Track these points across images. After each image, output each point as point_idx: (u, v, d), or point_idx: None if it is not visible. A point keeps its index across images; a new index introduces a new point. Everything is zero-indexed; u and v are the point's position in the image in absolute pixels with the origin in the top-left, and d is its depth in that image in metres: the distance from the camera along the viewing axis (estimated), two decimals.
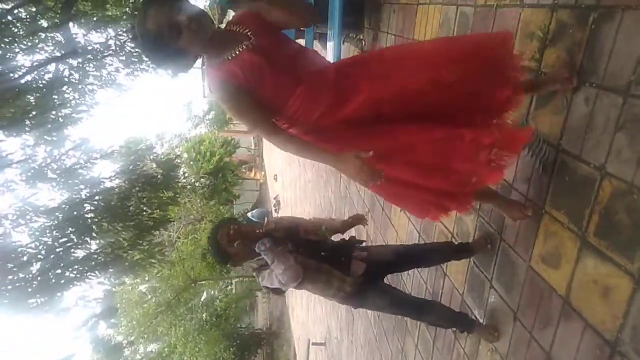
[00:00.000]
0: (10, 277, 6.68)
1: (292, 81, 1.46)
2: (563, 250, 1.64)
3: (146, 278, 14.10)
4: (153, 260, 8.65)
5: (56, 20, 6.84)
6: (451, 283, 2.54)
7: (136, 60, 8.22)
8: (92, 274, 7.45)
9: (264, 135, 1.51)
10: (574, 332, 1.57)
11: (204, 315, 14.28)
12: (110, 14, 7.68)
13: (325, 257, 2.04)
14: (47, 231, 7.12)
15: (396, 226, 3.47)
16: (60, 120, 7.58)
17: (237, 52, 1.42)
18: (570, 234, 1.61)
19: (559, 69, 1.66)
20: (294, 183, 10.14)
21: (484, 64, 1.47)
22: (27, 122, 7.05)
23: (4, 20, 6.52)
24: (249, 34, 1.44)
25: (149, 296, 14.84)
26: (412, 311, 2.31)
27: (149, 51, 1.38)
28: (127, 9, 7.88)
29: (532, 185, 1.83)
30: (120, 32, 7.89)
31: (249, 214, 17.78)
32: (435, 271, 2.75)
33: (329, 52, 4.27)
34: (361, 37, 4.41)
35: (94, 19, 7.41)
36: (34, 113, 7.09)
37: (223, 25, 1.57)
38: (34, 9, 6.86)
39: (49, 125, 7.32)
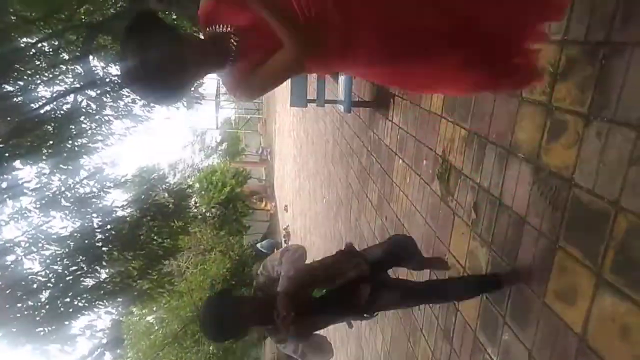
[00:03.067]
0: (19, 305, 6.68)
1: None
2: (579, 287, 1.60)
3: (154, 308, 14.00)
4: (162, 290, 8.61)
5: (77, 54, 7.08)
6: (463, 319, 2.48)
7: None
8: (101, 303, 7.43)
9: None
10: None
11: (210, 349, 14.05)
12: None
13: (329, 303, 1.93)
14: (58, 259, 7.15)
15: None
16: (76, 149, 7.74)
17: (234, 51, 1.28)
18: (586, 270, 1.57)
19: None
20: (304, 214, 10.13)
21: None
22: (44, 150, 7.20)
23: (28, 54, 6.77)
24: (228, 28, 1.29)
25: (156, 327, 14.68)
26: (432, 295, 2.22)
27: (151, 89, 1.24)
28: None
29: (545, 219, 1.81)
30: None
31: (258, 245, 17.74)
32: (447, 308, 2.69)
33: (340, 87, 4.36)
34: None
35: (113, 52, 7.66)
36: (51, 142, 7.25)
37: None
38: (56, 43, 7.12)
39: (65, 154, 7.47)
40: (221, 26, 1.31)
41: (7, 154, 6.60)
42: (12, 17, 6.45)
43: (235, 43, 1.28)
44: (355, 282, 1.95)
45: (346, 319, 2.03)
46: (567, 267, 1.67)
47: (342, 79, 4.25)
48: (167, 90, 1.25)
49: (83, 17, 7.18)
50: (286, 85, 8.94)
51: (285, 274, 1.90)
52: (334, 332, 5.77)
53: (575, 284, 1.62)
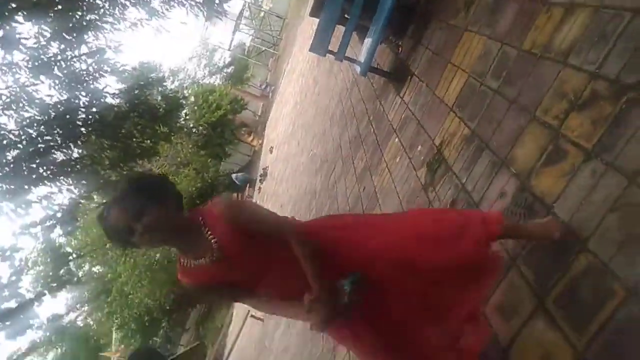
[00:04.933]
0: None
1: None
2: (519, 306, 1.67)
3: None
4: None
5: None
6: None
7: None
8: (65, 179, 7.39)
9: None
10: None
11: (157, 256, 14.28)
12: None
13: None
14: (35, 124, 7.03)
15: None
16: (84, 23, 7.45)
17: (198, 263, 1.46)
18: (531, 293, 1.63)
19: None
20: (287, 160, 10.13)
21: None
22: (50, 14, 6.91)
23: None
24: (214, 242, 1.44)
25: None
26: None
27: (108, 236, 1.50)
28: None
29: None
30: None
31: (233, 176, 17.77)
32: None
33: (363, 47, 4.24)
34: (400, 43, 4.39)
35: None
36: (59, 7, 6.95)
37: None
38: None
39: (71, 25, 7.19)
40: (209, 234, 1.45)
41: (12, 4, 6.31)
42: None
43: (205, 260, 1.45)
44: None
45: None
46: (515, 284, 1.73)
47: (367, 40, 4.14)
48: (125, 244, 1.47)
49: None
50: (311, 29, 8.69)
51: None
52: None
53: (517, 302, 1.69)
